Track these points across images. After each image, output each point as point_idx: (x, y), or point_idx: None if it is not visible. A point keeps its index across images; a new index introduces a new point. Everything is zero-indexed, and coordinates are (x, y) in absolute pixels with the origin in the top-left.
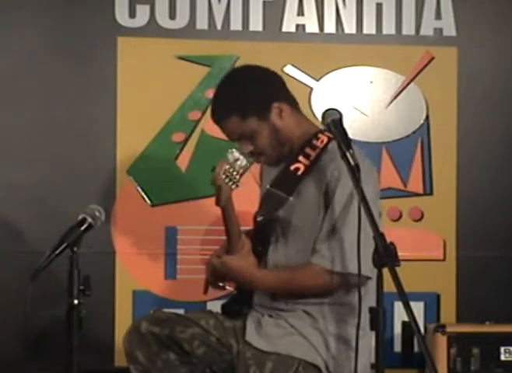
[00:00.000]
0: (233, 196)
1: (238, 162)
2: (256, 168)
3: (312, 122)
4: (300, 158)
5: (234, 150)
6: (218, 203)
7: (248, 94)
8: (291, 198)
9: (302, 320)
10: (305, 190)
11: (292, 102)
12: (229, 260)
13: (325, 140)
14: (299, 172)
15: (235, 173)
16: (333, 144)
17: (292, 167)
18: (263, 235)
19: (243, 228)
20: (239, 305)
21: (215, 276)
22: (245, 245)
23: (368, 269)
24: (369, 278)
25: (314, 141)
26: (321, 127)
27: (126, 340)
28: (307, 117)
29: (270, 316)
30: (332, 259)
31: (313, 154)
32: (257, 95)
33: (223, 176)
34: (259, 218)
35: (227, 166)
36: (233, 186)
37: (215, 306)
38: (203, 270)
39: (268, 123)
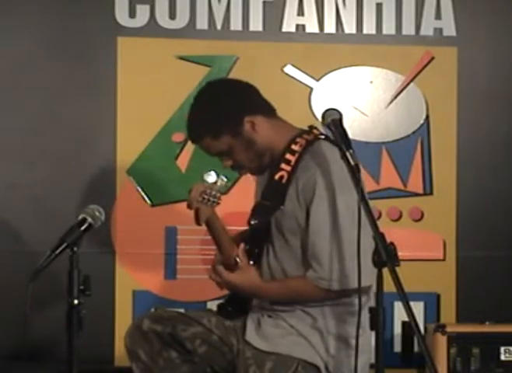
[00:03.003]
0: (232, 196)
1: (218, 183)
2: None
3: (290, 125)
4: (282, 165)
5: (212, 172)
6: (197, 223)
7: (218, 113)
8: (282, 207)
9: (301, 320)
10: (290, 196)
11: (267, 111)
12: (233, 279)
13: (303, 143)
14: (284, 180)
15: (214, 193)
16: (312, 148)
17: (277, 176)
18: (258, 237)
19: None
20: (234, 307)
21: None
22: (240, 257)
23: (368, 277)
24: (369, 286)
25: (293, 146)
26: (318, 126)
27: (128, 338)
28: (285, 120)
29: (269, 316)
30: (328, 277)
31: (293, 159)
32: (227, 113)
33: (200, 199)
34: (253, 222)
35: (203, 189)
36: (214, 205)
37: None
38: (203, 270)
39: (242, 138)
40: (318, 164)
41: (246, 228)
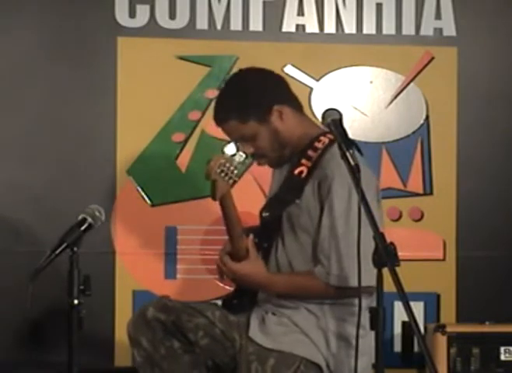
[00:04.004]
0: (233, 195)
1: (236, 157)
2: (257, 168)
3: (315, 123)
4: (303, 161)
5: (232, 144)
6: (213, 197)
7: (249, 98)
8: (297, 201)
9: (305, 318)
10: (307, 192)
11: (295, 105)
12: (240, 269)
13: (326, 141)
14: (303, 175)
15: (232, 168)
16: (333, 147)
17: (297, 171)
18: (268, 231)
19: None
20: (239, 300)
21: (224, 278)
22: (249, 248)
23: (374, 277)
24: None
25: (316, 143)
26: (324, 127)
27: (131, 325)
28: (311, 119)
29: (273, 314)
30: (336, 273)
31: (314, 156)
32: (258, 99)
33: (218, 170)
34: (265, 214)
35: (223, 160)
36: (230, 181)
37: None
38: (203, 270)
39: (268, 126)
40: (337, 163)
41: (255, 225)
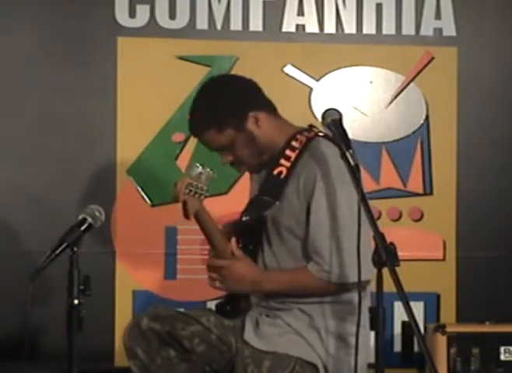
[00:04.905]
0: (232, 196)
1: (203, 176)
2: None
3: (290, 123)
4: (282, 161)
5: (197, 164)
6: (186, 217)
7: (223, 107)
8: (277, 203)
9: (298, 319)
10: (289, 192)
11: (269, 109)
12: (238, 268)
13: (304, 140)
14: (283, 176)
15: (201, 185)
16: (312, 145)
17: (276, 171)
18: (251, 234)
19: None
20: (232, 305)
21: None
22: (234, 250)
23: (368, 272)
24: (368, 281)
25: (293, 143)
26: (319, 126)
27: (126, 336)
28: (286, 119)
29: (267, 316)
30: (329, 270)
31: (293, 155)
32: (232, 107)
33: (186, 191)
34: (245, 218)
35: (189, 181)
36: (202, 198)
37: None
38: (203, 270)
39: (245, 133)
40: (318, 160)
41: (232, 220)
